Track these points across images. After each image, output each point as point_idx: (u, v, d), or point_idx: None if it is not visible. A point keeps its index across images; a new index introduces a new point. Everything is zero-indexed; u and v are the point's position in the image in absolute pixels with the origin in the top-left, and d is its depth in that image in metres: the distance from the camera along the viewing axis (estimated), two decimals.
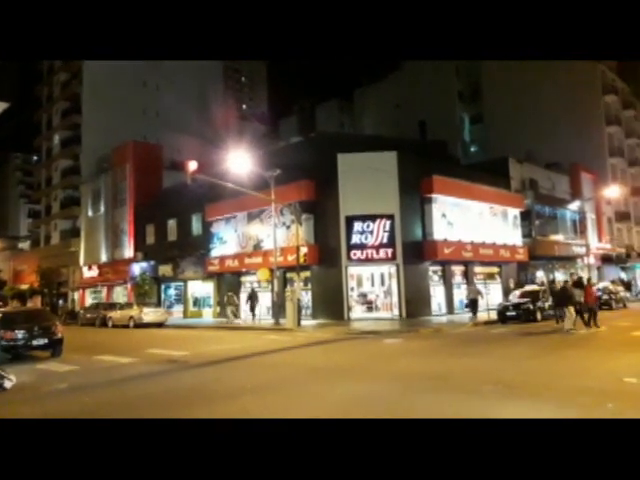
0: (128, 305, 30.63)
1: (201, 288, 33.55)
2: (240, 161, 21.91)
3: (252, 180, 24.26)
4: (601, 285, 30.81)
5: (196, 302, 34.05)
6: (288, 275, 26.96)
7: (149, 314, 27.41)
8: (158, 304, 34.40)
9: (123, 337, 22.22)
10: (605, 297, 27.55)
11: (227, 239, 31.02)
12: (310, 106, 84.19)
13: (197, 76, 50.70)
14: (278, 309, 23.97)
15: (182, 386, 9.72)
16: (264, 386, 9.28)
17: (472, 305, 23.83)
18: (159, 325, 27.13)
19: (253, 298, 26.91)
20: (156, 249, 36.21)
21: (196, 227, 33.75)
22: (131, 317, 27.11)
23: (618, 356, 11.30)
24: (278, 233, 25.45)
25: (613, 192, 41.08)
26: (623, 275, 43.73)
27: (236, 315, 28.14)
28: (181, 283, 35.03)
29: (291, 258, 24.77)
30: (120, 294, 39.75)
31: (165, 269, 35.47)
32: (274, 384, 9.47)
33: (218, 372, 11.45)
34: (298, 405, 7.60)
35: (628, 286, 36.75)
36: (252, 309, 26.52)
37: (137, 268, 37.27)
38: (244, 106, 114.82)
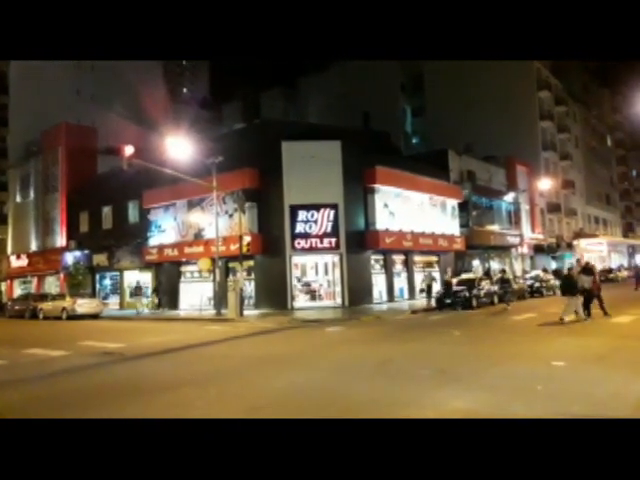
0: (60, 296, 29.28)
1: (139, 278, 32.48)
2: (180, 147, 21.28)
3: (193, 167, 23.63)
4: (533, 274, 32.42)
5: (133, 293, 32.96)
6: (230, 265, 26.56)
7: (83, 305, 26.30)
8: (93, 295, 33.03)
9: (55, 329, 21.22)
10: (537, 285, 29.00)
11: (166, 227, 30.13)
12: (254, 92, 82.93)
13: None
14: (220, 299, 23.60)
15: (117, 379, 9.34)
16: (203, 377, 9.07)
17: (427, 291, 24.98)
18: (94, 317, 26.08)
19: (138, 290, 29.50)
20: (90, 237, 34.70)
21: (133, 215, 32.58)
22: (64, 308, 25.92)
23: (547, 341, 11.87)
24: (220, 222, 24.97)
25: (545, 184, 43.25)
26: (554, 264, 46.13)
27: (146, 306, 29.54)
28: (117, 273, 33.79)
29: (234, 247, 24.38)
30: (52, 284, 37.89)
31: (100, 258, 34.07)
32: (214, 375, 9.28)
33: (155, 364, 11.10)
34: (238, 396, 7.47)
35: (560, 275, 38.58)
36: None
37: (70, 257, 35.60)
38: (185, 90, 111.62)
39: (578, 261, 22.80)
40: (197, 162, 23.10)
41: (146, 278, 31.87)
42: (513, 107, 47.54)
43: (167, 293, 30.23)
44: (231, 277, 25.29)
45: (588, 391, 6.89)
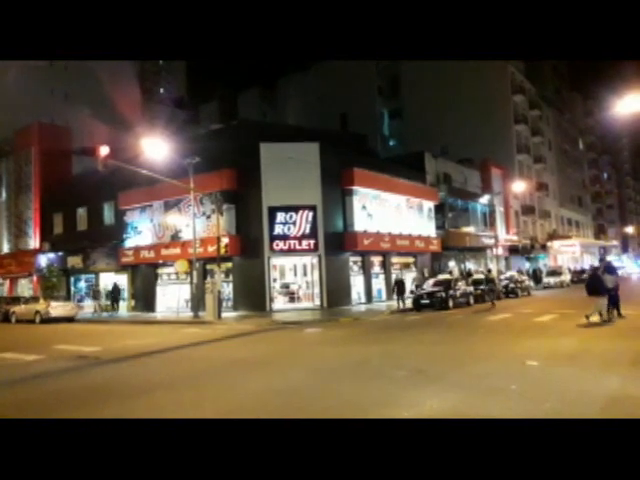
0: (34, 299, 28.62)
1: (114, 280, 31.99)
2: (157, 147, 21.06)
3: (170, 168, 23.40)
4: (508, 274, 32.97)
5: (108, 295, 32.41)
6: (208, 266, 26.37)
7: (57, 308, 25.75)
8: (67, 298, 32.42)
9: (28, 333, 20.77)
10: (512, 286, 29.49)
11: (142, 229, 29.76)
12: (232, 93, 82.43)
13: None
14: (197, 302, 23.40)
15: (91, 383, 9.20)
16: (180, 381, 9.00)
17: (399, 292, 24.83)
18: (69, 320, 25.57)
19: (116, 292, 29.82)
20: (65, 239, 34.06)
21: (108, 216, 32.10)
22: (37, 312, 25.35)
23: (522, 341, 12.08)
24: (198, 223, 24.79)
25: (520, 187, 44.01)
26: (528, 265, 46.97)
27: (105, 309, 29.73)
28: (92, 275, 33.23)
29: (211, 249, 24.23)
30: (25, 287, 37.06)
31: (75, 260, 33.46)
32: (191, 379, 9.21)
33: (131, 368, 10.97)
34: (215, 399, 7.44)
35: (536, 276, 39.47)
36: (116, 302, 29.57)
37: (44, 259, 34.87)
38: (161, 90, 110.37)
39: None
40: (174, 163, 22.88)
41: (122, 281, 31.42)
42: (488, 111, 48.29)
43: (143, 296, 29.87)
44: (209, 279, 25.08)
45: (560, 390, 7.06)
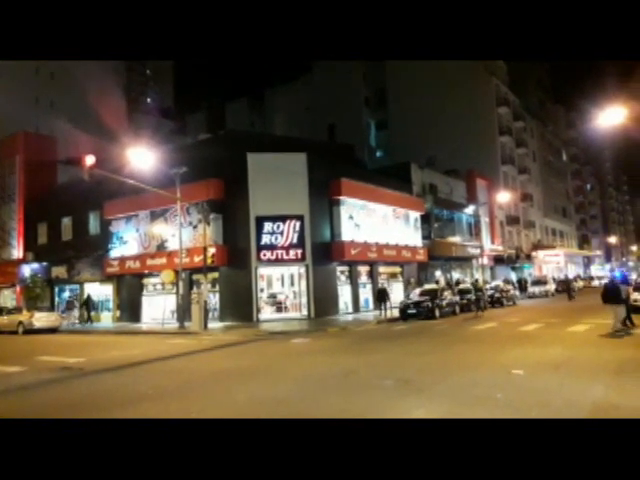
0: (17, 310, 28.19)
1: (99, 291, 31.66)
2: (143, 157, 20.95)
3: (156, 177, 23.31)
4: (493, 284, 33.24)
5: (94, 306, 32.04)
6: (195, 277, 26.21)
7: (41, 319, 25.38)
8: (51, 308, 31.96)
9: (10, 344, 20.42)
10: (497, 295, 29.72)
11: (128, 239, 29.54)
12: (219, 103, 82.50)
13: (97, 65, 47.80)
14: (183, 312, 23.22)
15: (75, 395, 9.06)
16: (166, 392, 8.91)
17: (382, 300, 25.19)
18: (52, 331, 25.22)
19: (89, 303, 30.05)
20: (49, 249, 33.66)
21: (94, 226, 31.82)
22: (20, 322, 24.97)
23: (507, 350, 12.17)
24: (184, 233, 24.67)
25: (504, 197, 44.52)
26: (513, 275, 47.39)
27: (85, 319, 29.86)
28: (77, 286, 32.83)
29: (198, 259, 24.10)
30: (8, 298, 36.49)
31: (59, 271, 33.08)
32: (177, 390, 9.12)
33: (117, 379, 10.83)
34: (201, 410, 7.37)
35: (521, 286, 39.87)
36: (88, 313, 29.69)
37: (27, 270, 34.40)
38: (148, 100, 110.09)
39: (613, 270, 22.70)
40: (160, 173, 22.80)
41: (107, 291, 31.10)
42: (473, 122, 48.89)
43: (128, 306, 29.57)
44: (195, 289, 24.93)
45: (545, 399, 7.11)
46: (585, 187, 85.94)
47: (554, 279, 45.13)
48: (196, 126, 77.70)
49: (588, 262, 75.13)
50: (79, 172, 19.80)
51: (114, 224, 30.24)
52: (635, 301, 19.56)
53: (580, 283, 49.70)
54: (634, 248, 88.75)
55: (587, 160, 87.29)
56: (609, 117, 18.13)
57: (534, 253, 54.35)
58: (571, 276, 52.27)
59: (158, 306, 28.03)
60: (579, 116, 77.96)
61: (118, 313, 30.04)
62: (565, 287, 34.55)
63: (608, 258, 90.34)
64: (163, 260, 26.87)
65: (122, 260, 29.16)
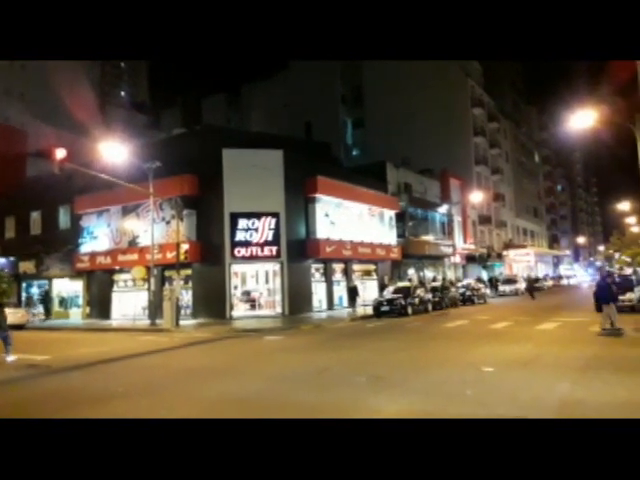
0: None
1: (68, 287, 31.01)
2: (116, 151, 20.58)
3: (129, 172, 22.90)
4: (465, 282, 33.74)
5: (62, 302, 31.39)
6: (167, 273, 25.88)
7: (7, 315, 24.64)
8: (18, 304, 31.12)
9: None
10: (468, 293, 30.17)
11: (99, 234, 28.97)
12: (195, 98, 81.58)
13: None
14: (155, 309, 22.91)
15: (42, 393, 8.86)
16: (137, 390, 8.78)
17: (352, 298, 25.97)
18: (19, 327, 24.51)
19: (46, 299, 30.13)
20: (17, 244, 32.76)
21: (64, 221, 31.11)
22: None
23: (478, 347, 12.36)
24: (157, 229, 24.32)
25: (477, 197, 45.21)
26: (484, 273, 48.17)
27: (46, 315, 29.95)
28: (45, 281, 32.08)
29: (170, 255, 23.81)
30: None
31: (27, 266, 32.24)
32: (148, 387, 9.01)
33: (85, 376, 10.63)
34: (170, 408, 7.28)
35: (492, 284, 40.56)
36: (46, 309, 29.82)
37: None
38: (123, 93, 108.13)
39: (600, 268, 22.41)
40: (133, 167, 22.40)
41: (77, 287, 30.47)
42: (449, 122, 49.46)
43: (98, 302, 29.02)
44: (167, 286, 24.63)
45: (514, 395, 7.24)
46: (556, 188, 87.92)
47: (524, 278, 46.05)
48: (171, 121, 76.75)
49: (557, 261, 76.89)
50: (49, 165, 19.32)
51: (85, 219, 29.63)
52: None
53: (549, 282, 50.80)
54: (601, 248, 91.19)
55: (558, 162, 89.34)
56: (579, 120, 18.59)
57: (505, 252, 55.33)
58: (541, 275, 53.44)
59: (129, 303, 27.65)
60: (551, 118, 79.73)
61: (88, 309, 29.46)
62: (531, 286, 35.29)
63: (576, 258, 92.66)
64: (135, 256, 26.45)
65: (93, 256, 28.60)
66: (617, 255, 63.02)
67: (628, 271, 32.25)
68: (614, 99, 20.20)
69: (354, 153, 57.32)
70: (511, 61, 64.33)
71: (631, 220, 53.13)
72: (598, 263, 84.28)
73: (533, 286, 35.31)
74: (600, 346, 11.59)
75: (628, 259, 51.54)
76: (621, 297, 19.44)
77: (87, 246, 29.29)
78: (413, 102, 49.67)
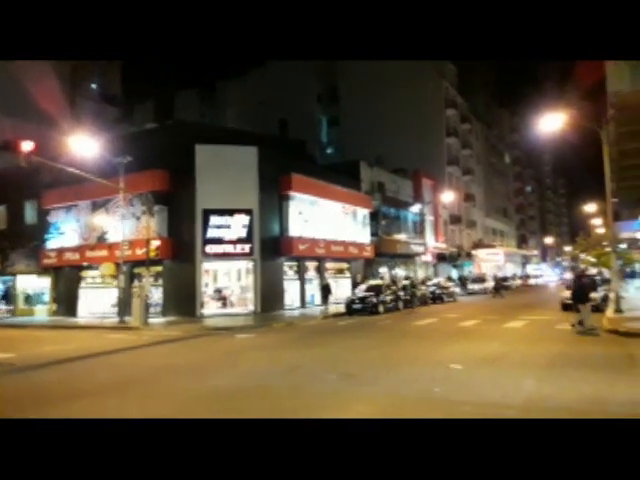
0: None
1: (34, 283, 30.19)
2: (86, 145, 20.12)
3: (99, 166, 22.44)
4: (435, 281, 34.18)
5: (28, 299, 30.54)
6: (136, 270, 25.43)
7: None
8: None
9: None
10: (438, 292, 30.57)
11: (67, 230, 28.29)
12: (169, 92, 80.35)
13: None
14: (124, 306, 22.50)
15: (6, 391, 8.62)
16: (104, 389, 8.62)
17: (324, 296, 26.02)
18: None
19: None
20: None
21: (30, 215, 30.25)
22: None
23: (447, 345, 12.54)
24: (127, 225, 23.90)
25: (448, 197, 45.88)
26: (454, 272, 48.89)
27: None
28: (10, 277, 31.16)
29: (140, 252, 23.40)
30: None
31: None
32: (113, 386, 8.85)
33: (51, 375, 10.39)
34: (138, 406, 7.18)
35: (462, 283, 41.19)
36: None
37: None
38: (94, 86, 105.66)
39: (573, 269, 21.95)
40: (103, 161, 21.96)
41: (43, 284, 29.69)
42: (422, 123, 49.97)
43: (66, 299, 28.35)
44: (136, 283, 24.23)
45: (481, 392, 7.39)
46: (525, 189, 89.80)
47: (492, 277, 46.90)
48: (143, 115, 75.37)
49: (526, 261, 78.57)
50: (15, 158, 18.75)
51: (52, 214, 28.90)
52: (567, 299, 20.65)
53: (517, 281, 51.85)
54: (568, 249, 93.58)
55: (528, 163, 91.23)
56: (548, 123, 19.04)
57: (475, 251, 56.29)
58: (509, 274, 54.50)
59: (97, 300, 27.12)
60: (522, 121, 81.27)
61: (54, 307, 28.75)
62: (498, 285, 35.90)
63: (544, 257, 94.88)
64: (104, 252, 25.93)
65: (60, 251, 27.93)
66: (583, 255, 64.74)
67: (593, 271, 33.11)
68: (581, 103, 20.70)
69: (329, 151, 57.35)
70: (484, 62, 65.27)
71: (597, 221, 54.62)
72: (565, 263, 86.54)
73: (501, 285, 35.98)
74: (565, 344, 11.89)
75: (593, 260, 53.02)
76: None
77: (54, 242, 28.58)
78: (388, 101, 50.01)
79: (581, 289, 14.53)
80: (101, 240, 26.73)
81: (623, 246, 31.62)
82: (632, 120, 18.28)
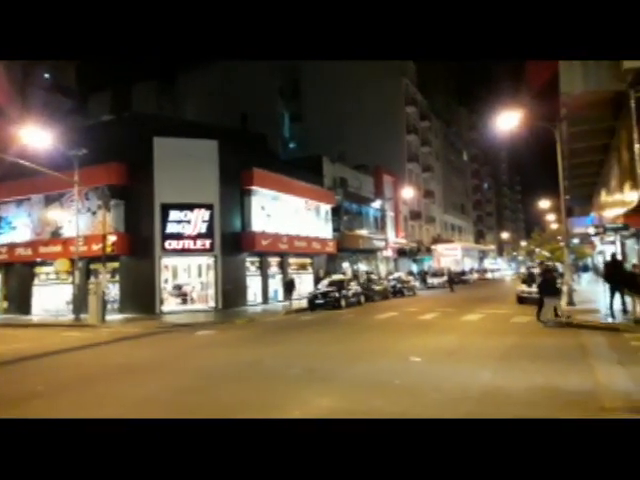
0: None
1: None
2: (38, 136, 19.37)
3: (53, 159, 21.66)
4: (395, 275, 34.68)
5: None
6: (92, 266, 24.74)
7: None
8: None
9: None
10: (399, 286, 31.04)
11: (18, 224, 27.25)
12: (126, 83, 78.19)
13: None
14: (79, 303, 21.85)
15: None
16: (59, 388, 8.36)
17: (288, 290, 26.38)
18: None
19: None
20: None
21: None
22: None
23: (407, 338, 12.75)
24: (82, 219, 23.22)
25: (408, 193, 46.61)
26: (414, 267, 49.73)
27: None
28: None
29: (96, 247, 22.75)
30: None
31: None
32: (68, 385, 8.60)
33: (1, 375, 9.98)
34: (94, 405, 7.00)
35: (422, 277, 41.97)
36: None
37: None
38: (47, 75, 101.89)
39: (541, 264, 21.70)
40: (57, 154, 21.21)
41: None
42: (383, 120, 50.46)
43: (18, 297, 27.29)
44: (93, 279, 23.58)
45: (439, 384, 7.55)
46: (483, 186, 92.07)
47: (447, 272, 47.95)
48: (99, 106, 73.03)
49: (483, 256, 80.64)
50: None
51: (2, 208, 27.77)
52: (522, 292, 21.34)
53: (475, 276, 53.18)
54: (524, 244, 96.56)
55: (485, 161, 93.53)
56: (504, 121, 19.56)
57: (434, 246, 57.42)
58: (467, 269, 55.82)
59: (52, 297, 26.25)
60: (480, 119, 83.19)
61: (5, 304, 27.64)
62: (452, 279, 36.76)
63: (500, 252, 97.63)
64: (58, 248, 25.09)
65: (11, 247, 26.86)
66: (538, 250, 66.95)
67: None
68: (533, 102, 21.36)
69: (291, 146, 57.16)
70: (442, 62, 66.39)
71: (551, 217, 56.57)
72: (520, 257, 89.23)
73: (453, 279, 36.74)
74: (520, 336, 12.27)
75: (547, 254, 54.94)
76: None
77: (5, 237, 27.48)
78: (350, 98, 50.25)
79: (548, 282, 14.93)
80: (55, 235, 25.86)
81: (576, 241, 32.92)
82: (582, 120, 19.00)
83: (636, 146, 15.17)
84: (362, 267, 39.39)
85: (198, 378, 8.75)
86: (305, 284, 30.80)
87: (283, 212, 29.55)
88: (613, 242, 21.89)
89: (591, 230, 21.43)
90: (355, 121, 49.63)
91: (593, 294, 21.36)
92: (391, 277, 33.64)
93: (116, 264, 24.45)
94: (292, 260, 31.14)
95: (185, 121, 40.94)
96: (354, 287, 25.34)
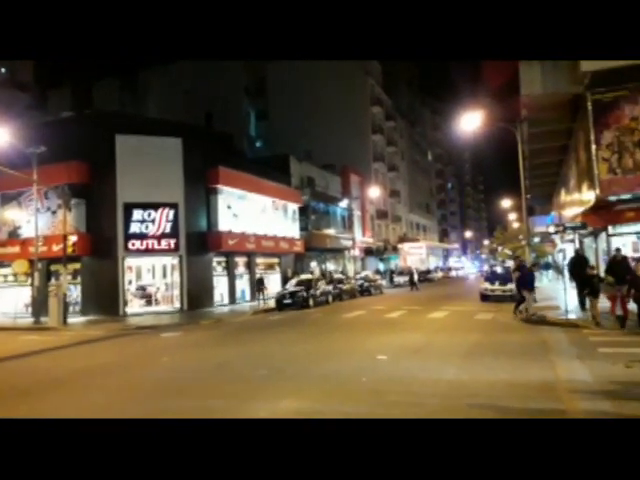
0: None
1: None
2: None
3: (9, 156, 20.88)
4: (362, 274, 34.93)
5: None
6: (53, 267, 24.00)
7: None
8: None
9: None
10: (366, 285, 31.27)
11: None
12: (87, 79, 76.10)
13: None
14: (39, 306, 21.16)
15: None
16: (16, 393, 8.07)
17: (259, 290, 26.71)
18: None
19: None
20: None
21: None
22: None
23: (374, 336, 12.84)
24: (42, 219, 22.50)
25: (375, 193, 47.03)
26: (381, 265, 50.19)
27: None
28: None
29: (57, 248, 22.07)
30: None
31: None
32: (29, 391, 8.29)
33: None
34: (52, 412, 6.78)
35: (389, 275, 42.38)
36: None
37: None
38: (3, 70, 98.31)
39: (517, 258, 21.11)
40: (14, 151, 20.46)
41: None
42: (349, 119, 50.71)
43: None
44: (53, 281, 22.88)
45: (406, 381, 7.63)
46: (447, 186, 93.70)
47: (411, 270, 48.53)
48: (59, 103, 70.80)
49: (447, 254, 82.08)
50: None
51: None
52: (485, 290, 21.81)
53: (439, 274, 54.05)
54: (486, 242, 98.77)
55: (449, 160, 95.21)
56: (467, 121, 19.95)
57: (400, 245, 58.11)
58: (432, 267, 56.72)
59: (9, 299, 25.29)
60: (444, 119, 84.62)
61: None
62: (412, 279, 36.81)
63: (464, 251, 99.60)
64: (16, 248, 24.24)
65: None
66: (500, 248, 68.50)
67: (509, 263, 35.16)
68: (494, 102, 21.87)
69: (257, 145, 56.77)
70: (407, 61, 67.23)
71: (512, 216, 57.96)
72: (483, 256, 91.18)
73: (413, 280, 36.18)
74: (484, 333, 12.53)
75: (509, 252, 56.26)
76: (502, 287, 21.28)
77: None
78: (316, 96, 50.29)
79: (525, 277, 15.27)
80: (13, 235, 24.98)
81: (537, 240, 33.85)
82: (542, 122, 19.56)
83: (593, 147, 15.72)
84: (330, 266, 39.50)
85: (161, 381, 8.60)
86: (273, 284, 30.66)
87: (250, 211, 29.33)
88: (572, 241, 22.59)
89: (551, 229, 22.04)
90: (322, 120, 49.72)
91: (554, 291, 22.00)
92: (358, 276, 33.84)
93: (77, 265, 23.80)
94: (260, 260, 30.96)
95: (148, 119, 40.15)
96: (322, 286, 25.39)
